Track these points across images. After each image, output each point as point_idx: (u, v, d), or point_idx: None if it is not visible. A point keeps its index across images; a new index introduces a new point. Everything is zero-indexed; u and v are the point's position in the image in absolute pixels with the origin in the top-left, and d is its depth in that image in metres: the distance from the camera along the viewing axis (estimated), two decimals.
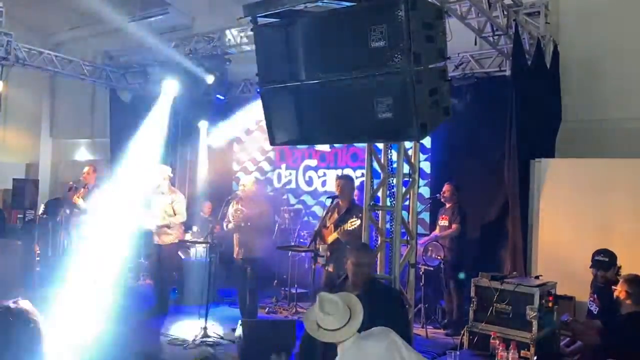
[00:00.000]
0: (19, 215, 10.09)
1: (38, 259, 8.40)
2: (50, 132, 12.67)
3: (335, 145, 8.47)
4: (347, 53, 3.72)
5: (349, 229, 5.41)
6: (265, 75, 4.24)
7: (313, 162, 8.94)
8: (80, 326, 4.68)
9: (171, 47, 8.49)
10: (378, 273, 4.52)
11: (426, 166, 7.55)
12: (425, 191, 7.48)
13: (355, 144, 8.14)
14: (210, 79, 8.66)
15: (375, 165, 4.67)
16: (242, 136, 9.78)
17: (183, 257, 8.41)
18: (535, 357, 4.10)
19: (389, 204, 4.56)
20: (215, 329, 6.14)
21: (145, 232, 7.67)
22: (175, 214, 7.15)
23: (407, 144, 4.58)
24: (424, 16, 3.55)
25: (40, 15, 10.45)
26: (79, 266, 8.27)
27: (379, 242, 4.65)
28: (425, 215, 7.51)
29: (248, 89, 9.54)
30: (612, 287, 4.24)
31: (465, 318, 5.35)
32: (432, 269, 6.59)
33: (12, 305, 2.22)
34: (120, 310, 6.74)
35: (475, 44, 6.84)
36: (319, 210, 8.57)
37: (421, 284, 6.50)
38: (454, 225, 6.63)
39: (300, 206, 8.90)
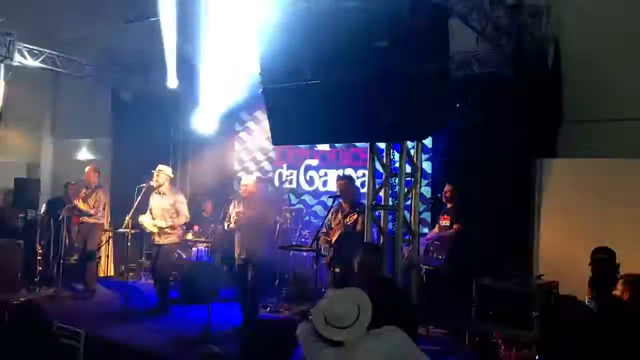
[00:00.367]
0: (20, 215, 10.07)
1: (40, 258, 8.40)
2: (51, 132, 12.67)
3: (337, 145, 8.47)
4: (351, 53, 3.73)
5: (349, 222, 5.50)
6: (268, 75, 4.26)
7: (314, 162, 8.94)
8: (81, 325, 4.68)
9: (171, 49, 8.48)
10: None
11: (427, 166, 7.55)
12: (426, 191, 7.48)
13: (356, 145, 8.14)
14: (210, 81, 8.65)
15: (378, 165, 4.67)
16: (244, 136, 9.79)
17: (184, 256, 8.42)
18: (537, 357, 4.11)
19: (391, 203, 4.57)
20: (217, 329, 6.14)
21: (146, 232, 7.68)
22: (178, 215, 7.16)
23: (409, 144, 4.59)
24: (428, 16, 3.56)
25: (42, 15, 10.45)
26: (80, 266, 8.32)
27: (381, 241, 4.65)
28: (427, 215, 7.52)
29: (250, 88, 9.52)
30: (612, 287, 4.24)
31: (467, 318, 5.36)
32: (433, 268, 6.59)
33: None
34: (122, 310, 6.79)
35: (477, 43, 6.84)
36: (320, 210, 8.57)
37: (423, 283, 6.50)
38: (455, 225, 6.63)
39: (301, 206, 8.91)
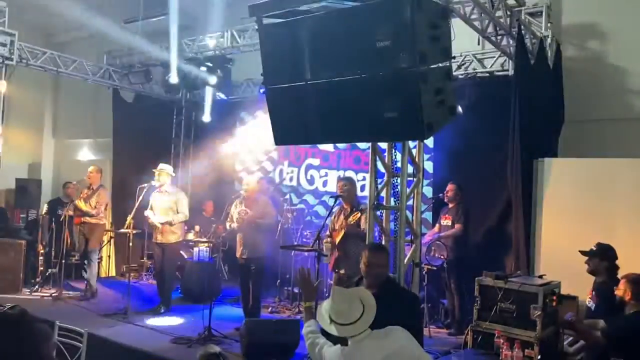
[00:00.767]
0: (21, 215, 10.10)
1: (41, 258, 8.42)
2: (53, 132, 12.70)
3: (339, 146, 8.48)
4: (352, 53, 3.74)
5: (352, 222, 5.55)
6: (270, 74, 4.26)
7: (316, 161, 8.95)
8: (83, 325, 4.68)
9: (173, 47, 8.49)
10: None
11: (429, 166, 7.55)
12: (427, 191, 7.48)
13: (358, 146, 8.15)
14: (212, 79, 8.68)
15: (380, 165, 4.67)
16: (245, 135, 9.79)
17: (186, 256, 8.43)
18: (539, 356, 4.11)
19: (393, 203, 4.57)
20: (219, 329, 6.14)
21: (147, 232, 7.70)
22: (178, 213, 7.19)
23: (411, 144, 4.58)
24: (429, 16, 3.57)
25: (43, 15, 10.45)
26: (82, 266, 8.33)
27: (383, 241, 4.65)
28: (428, 215, 7.52)
29: (251, 88, 9.56)
30: (614, 286, 4.24)
31: (468, 317, 5.36)
32: (435, 268, 6.59)
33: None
34: (123, 310, 6.80)
35: (478, 43, 6.85)
36: (321, 210, 8.58)
37: (424, 283, 6.51)
38: (457, 225, 6.64)
39: (302, 206, 8.91)
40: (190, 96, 10.17)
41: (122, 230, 7.49)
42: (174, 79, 8.64)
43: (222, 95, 9.23)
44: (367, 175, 5.01)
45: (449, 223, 6.74)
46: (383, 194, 4.67)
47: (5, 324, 2.17)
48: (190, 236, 8.61)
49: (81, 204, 7.88)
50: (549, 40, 6.47)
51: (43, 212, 9.04)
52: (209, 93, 9.22)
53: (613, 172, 5.75)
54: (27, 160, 12.30)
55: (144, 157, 9.14)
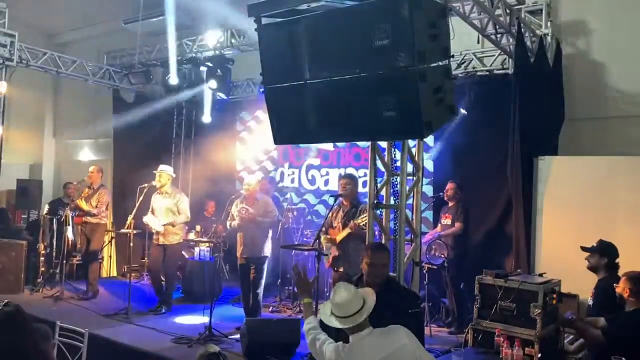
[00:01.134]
0: (23, 216, 10.13)
1: (42, 258, 8.43)
2: (53, 133, 12.71)
3: (339, 144, 8.48)
4: (351, 52, 3.73)
5: (361, 224, 5.37)
6: (269, 74, 4.26)
7: (316, 161, 8.95)
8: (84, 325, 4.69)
9: (174, 47, 8.50)
10: None
11: (429, 164, 7.55)
12: (428, 189, 7.48)
13: (358, 144, 8.15)
14: (212, 84, 8.67)
15: (379, 163, 4.67)
16: (245, 135, 9.81)
17: (187, 256, 8.44)
18: (539, 355, 4.11)
19: (392, 202, 4.57)
20: (220, 328, 6.15)
21: (148, 232, 7.70)
22: (179, 214, 7.20)
23: (411, 143, 4.58)
24: (428, 14, 3.56)
25: (43, 16, 10.48)
26: (83, 266, 8.34)
27: (383, 240, 4.65)
28: (429, 214, 7.52)
29: (251, 88, 9.56)
30: (614, 284, 4.24)
31: (468, 316, 5.36)
32: (435, 267, 6.59)
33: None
34: (124, 310, 6.80)
35: (478, 42, 6.85)
36: (322, 209, 8.59)
37: (425, 282, 6.51)
38: (457, 224, 6.64)
39: (303, 205, 8.92)
40: (190, 96, 10.17)
41: (122, 231, 7.50)
42: (173, 80, 8.65)
43: (222, 95, 9.23)
44: (368, 172, 5.01)
45: (449, 222, 6.74)
46: (383, 192, 4.68)
47: None
48: (192, 236, 8.62)
49: (82, 204, 7.89)
50: (548, 38, 6.46)
51: (44, 213, 9.05)
52: (208, 93, 9.23)
53: (613, 170, 5.75)
54: (28, 161, 12.32)
55: (145, 157, 9.16)
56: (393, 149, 4.58)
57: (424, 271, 6.45)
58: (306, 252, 7.28)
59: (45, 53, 8.80)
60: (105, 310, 7.03)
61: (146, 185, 7.18)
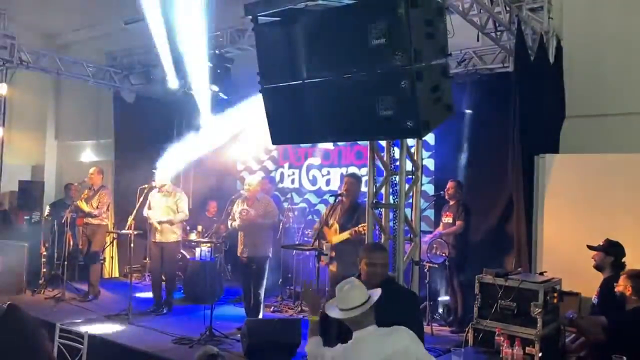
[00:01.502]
0: (25, 217, 10.12)
1: (44, 260, 8.44)
2: (55, 134, 12.71)
3: (339, 143, 8.46)
4: (348, 51, 3.72)
5: (362, 232, 5.18)
6: (267, 74, 4.24)
7: (317, 161, 8.93)
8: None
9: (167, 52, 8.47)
10: None
11: (430, 163, 7.54)
12: (429, 188, 7.47)
13: (359, 142, 8.13)
14: (214, 88, 8.65)
15: (378, 162, 4.66)
16: (246, 135, 9.78)
17: (188, 256, 8.44)
18: (540, 354, 4.09)
19: (392, 201, 4.55)
20: (221, 328, 6.15)
21: (149, 233, 7.70)
22: (178, 212, 7.21)
23: (410, 141, 4.56)
24: (425, 13, 3.55)
25: (43, 18, 10.48)
26: (85, 267, 8.36)
27: (382, 240, 4.63)
28: (430, 213, 7.50)
29: (251, 88, 9.52)
30: (614, 282, 4.22)
31: (469, 315, 5.34)
32: (436, 266, 6.58)
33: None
34: (126, 311, 6.81)
35: (478, 40, 6.79)
36: (323, 209, 8.56)
37: (426, 281, 6.50)
38: (458, 222, 6.62)
39: (304, 205, 8.91)
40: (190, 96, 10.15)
41: (123, 231, 7.51)
42: (172, 84, 8.62)
43: (222, 95, 9.22)
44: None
45: (450, 220, 6.72)
46: (382, 191, 4.66)
47: None
48: (193, 236, 8.62)
49: (82, 205, 7.90)
50: (549, 35, 6.43)
51: (46, 214, 9.06)
52: (209, 93, 9.18)
53: (614, 168, 5.72)
54: (30, 163, 12.32)
55: (146, 158, 9.14)
56: (392, 148, 4.57)
57: (425, 270, 6.44)
58: (307, 252, 7.26)
59: (45, 54, 8.81)
60: (107, 311, 7.03)
61: (146, 186, 7.19)
